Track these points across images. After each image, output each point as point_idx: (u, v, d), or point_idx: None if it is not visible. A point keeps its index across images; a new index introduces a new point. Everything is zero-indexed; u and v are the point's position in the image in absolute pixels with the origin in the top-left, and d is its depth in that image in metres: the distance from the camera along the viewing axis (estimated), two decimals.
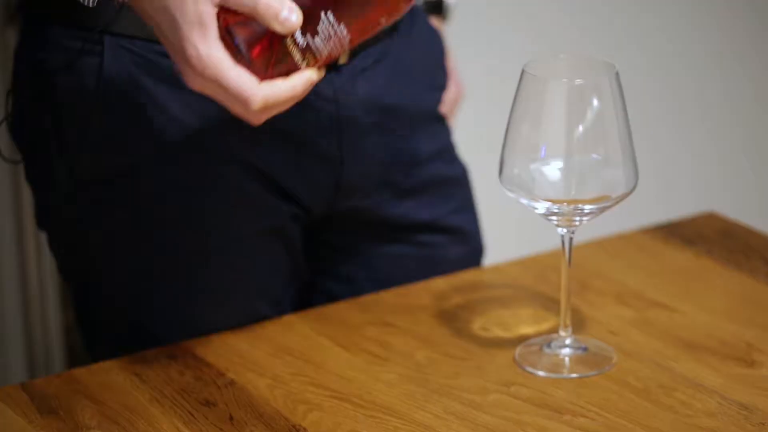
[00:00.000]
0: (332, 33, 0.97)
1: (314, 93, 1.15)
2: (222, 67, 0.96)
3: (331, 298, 1.28)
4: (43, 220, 1.23)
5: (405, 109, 1.24)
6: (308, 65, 0.98)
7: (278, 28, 0.95)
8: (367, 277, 1.28)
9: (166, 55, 1.11)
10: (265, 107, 0.98)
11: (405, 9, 0.99)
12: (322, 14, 0.96)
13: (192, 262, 1.19)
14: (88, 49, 1.13)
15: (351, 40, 0.98)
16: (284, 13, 0.95)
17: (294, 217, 1.21)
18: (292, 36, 0.96)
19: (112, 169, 1.16)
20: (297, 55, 0.97)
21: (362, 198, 1.24)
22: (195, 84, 0.98)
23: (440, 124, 1.30)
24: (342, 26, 0.97)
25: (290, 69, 0.98)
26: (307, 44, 0.97)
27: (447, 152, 1.30)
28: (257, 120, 1.00)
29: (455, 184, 1.31)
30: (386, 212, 1.26)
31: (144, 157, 1.15)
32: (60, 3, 1.13)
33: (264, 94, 0.97)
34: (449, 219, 1.29)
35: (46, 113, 1.16)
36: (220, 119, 1.15)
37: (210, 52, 0.96)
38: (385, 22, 0.99)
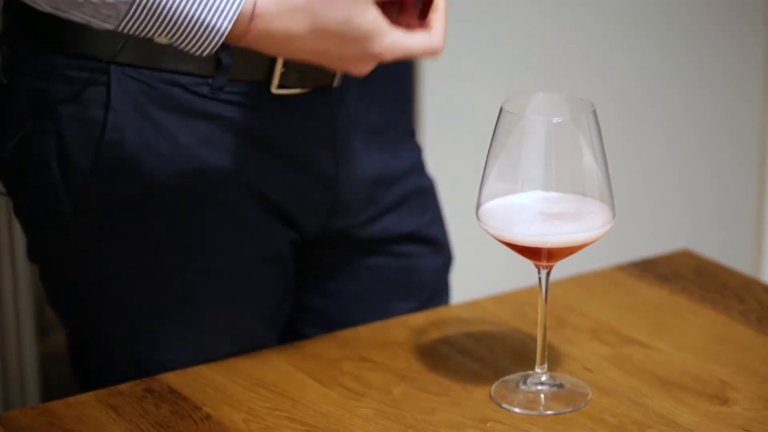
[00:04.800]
0: None
1: (312, 116, 1.17)
2: (405, 44, 1.03)
3: (313, 312, 1.29)
4: (36, 253, 1.23)
5: (387, 127, 1.26)
6: None
7: None
8: (348, 290, 1.29)
9: (173, 83, 1.12)
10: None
11: None
12: None
13: (194, 287, 1.20)
14: (94, 80, 1.13)
15: None
16: None
17: (291, 242, 1.23)
18: None
19: (119, 197, 1.16)
20: None
21: (352, 217, 1.25)
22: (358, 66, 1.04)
23: (412, 138, 1.32)
24: None
25: None
26: None
27: (420, 165, 1.32)
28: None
29: (428, 195, 1.33)
30: (370, 228, 1.27)
31: (151, 184, 1.15)
32: (64, 33, 1.13)
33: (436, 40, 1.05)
34: (426, 230, 1.31)
35: (49, 143, 1.16)
36: (227, 146, 1.16)
37: (391, 39, 1.03)
38: None
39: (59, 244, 1.20)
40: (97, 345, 1.23)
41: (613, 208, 1.05)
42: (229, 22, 1.00)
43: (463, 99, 2.09)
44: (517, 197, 1.04)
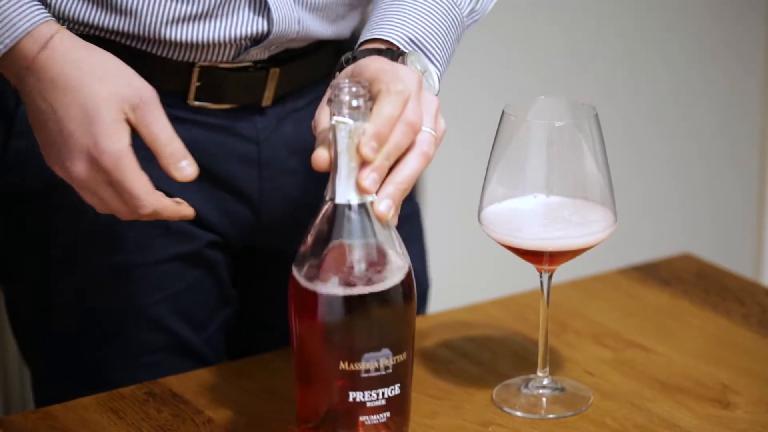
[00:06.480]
0: None
1: (237, 134, 1.16)
2: (130, 168, 1.01)
3: (268, 329, 1.29)
4: None
5: None
6: None
7: (175, 174, 1.02)
8: None
9: None
10: (151, 215, 1.03)
11: None
12: None
13: (107, 282, 1.20)
14: None
15: None
16: (183, 163, 1.02)
17: (214, 244, 1.22)
18: None
19: (30, 188, 1.18)
20: None
21: (284, 236, 1.24)
22: (81, 172, 1.02)
23: None
24: None
25: None
26: None
27: None
28: (132, 216, 1.04)
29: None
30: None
31: (57, 180, 1.16)
32: None
33: (155, 206, 1.02)
34: None
35: None
36: (136, 148, 1.16)
37: (122, 149, 1.01)
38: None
39: None
40: (27, 322, 1.25)
41: (614, 212, 1.05)
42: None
43: (464, 102, 2.09)
44: (519, 201, 1.04)
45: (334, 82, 0.94)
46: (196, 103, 1.16)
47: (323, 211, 0.95)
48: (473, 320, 1.24)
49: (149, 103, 1.02)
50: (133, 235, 1.19)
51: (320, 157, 0.95)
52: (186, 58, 1.14)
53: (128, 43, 1.12)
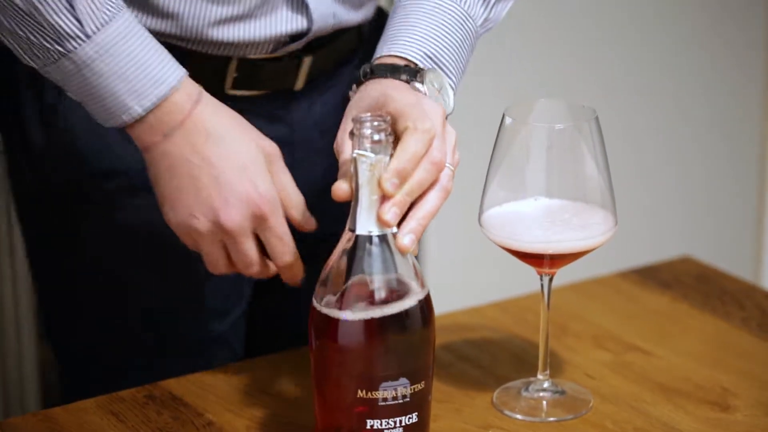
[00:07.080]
0: None
1: (271, 117, 1.18)
2: (282, 214, 1.05)
3: (272, 311, 1.30)
4: (18, 209, 1.27)
5: None
6: None
7: (302, 223, 1.07)
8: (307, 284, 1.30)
9: None
10: (289, 264, 1.07)
11: None
12: None
13: (135, 281, 1.21)
14: None
15: None
16: (307, 213, 1.09)
17: None
18: None
19: (68, 181, 1.18)
20: None
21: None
22: (236, 220, 1.03)
23: None
24: None
25: None
26: None
27: None
28: (261, 269, 1.07)
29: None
30: (332, 229, 1.27)
31: (95, 173, 1.17)
32: None
33: (296, 254, 1.07)
34: None
35: (15, 123, 1.19)
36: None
37: (276, 195, 1.05)
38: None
39: (26, 210, 1.24)
40: (59, 313, 1.26)
41: (615, 215, 1.05)
42: (144, 110, 1.03)
43: (465, 105, 2.09)
44: (520, 204, 1.04)
45: (356, 116, 0.96)
46: (233, 91, 1.17)
47: (344, 241, 0.97)
48: (473, 323, 1.24)
49: (279, 156, 1.06)
50: (160, 232, 1.18)
51: (340, 189, 0.97)
52: (225, 54, 1.15)
53: (169, 41, 1.12)
